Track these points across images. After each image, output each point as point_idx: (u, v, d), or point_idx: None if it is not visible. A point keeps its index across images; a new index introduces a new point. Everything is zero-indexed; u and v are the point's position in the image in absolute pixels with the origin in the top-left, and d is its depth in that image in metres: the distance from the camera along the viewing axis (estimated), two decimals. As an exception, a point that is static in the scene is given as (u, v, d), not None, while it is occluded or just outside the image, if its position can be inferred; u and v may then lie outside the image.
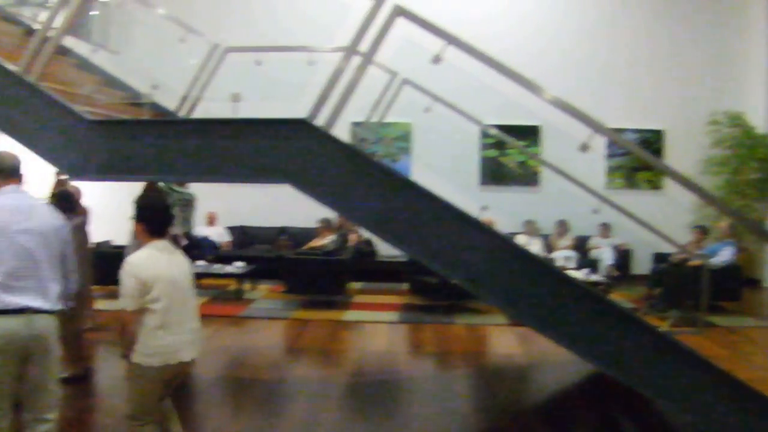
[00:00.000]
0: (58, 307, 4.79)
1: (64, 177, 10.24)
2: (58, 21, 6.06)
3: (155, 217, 4.99)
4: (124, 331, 4.80)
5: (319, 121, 5.49)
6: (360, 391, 7.90)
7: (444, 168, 14.55)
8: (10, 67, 5.95)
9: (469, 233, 5.68)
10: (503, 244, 5.80)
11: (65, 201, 7.57)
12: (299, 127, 5.48)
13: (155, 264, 4.80)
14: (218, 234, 15.14)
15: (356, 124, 13.04)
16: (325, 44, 9.61)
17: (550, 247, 14.39)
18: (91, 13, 10.06)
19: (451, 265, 5.74)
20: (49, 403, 4.81)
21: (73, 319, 7.70)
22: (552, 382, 8.58)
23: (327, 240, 13.68)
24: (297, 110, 5.78)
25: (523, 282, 5.69)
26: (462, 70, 7.29)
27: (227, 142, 5.59)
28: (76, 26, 7.34)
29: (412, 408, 7.39)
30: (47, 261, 4.73)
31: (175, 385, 5.14)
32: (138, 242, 5.17)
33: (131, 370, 4.88)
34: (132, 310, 4.74)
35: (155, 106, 8.81)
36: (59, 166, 6.03)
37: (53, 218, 4.86)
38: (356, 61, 5.69)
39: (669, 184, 14.74)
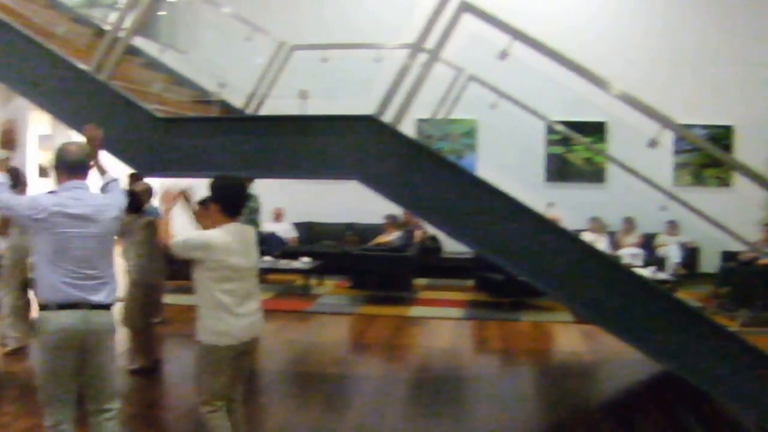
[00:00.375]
0: (114, 301, 4.88)
1: (137, 174, 10.43)
2: (128, 22, 6.18)
3: (231, 198, 5.05)
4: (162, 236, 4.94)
5: (387, 117, 5.51)
6: (424, 387, 7.88)
7: (509, 164, 14.46)
8: (82, 66, 6.08)
9: (536, 230, 5.67)
10: (571, 241, 5.77)
11: (140, 198, 7.71)
12: (367, 124, 5.51)
13: (225, 245, 4.88)
14: (285, 230, 15.23)
15: (422, 121, 13.04)
16: (391, 41, 9.61)
17: (616, 245, 14.22)
18: (158, 13, 10.21)
19: (518, 261, 5.73)
20: (109, 393, 4.91)
21: (143, 312, 7.85)
22: (618, 381, 8.50)
23: (393, 236, 13.68)
24: (363, 107, 5.81)
25: (591, 279, 5.66)
26: (527, 66, 7.26)
27: (295, 139, 5.65)
28: (145, 26, 7.46)
29: (476, 405, 7.37)
30: (103, 257, 4.82)
31: (243, 369, 5.22)
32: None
33: (200, 351, 5.00)
34: (174, 244, 4.92)
35: (223, 104, 8.92)
36: (130, 162, 6.14)
37: (110, 215, 4.92)
38: (422, 57, 5.70)
39: (738, 181, 14.43)
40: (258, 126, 5.97)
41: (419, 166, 5.61)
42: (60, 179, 4.82)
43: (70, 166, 4.80)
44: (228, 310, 4.89)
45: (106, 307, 4.79)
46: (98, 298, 4.71)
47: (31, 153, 14.89)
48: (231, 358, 4.99)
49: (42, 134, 17.48)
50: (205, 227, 5.10)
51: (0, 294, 8.37)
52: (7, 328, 8.54)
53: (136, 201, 7.72)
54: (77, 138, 5.39)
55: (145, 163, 5.83)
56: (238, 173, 7.71)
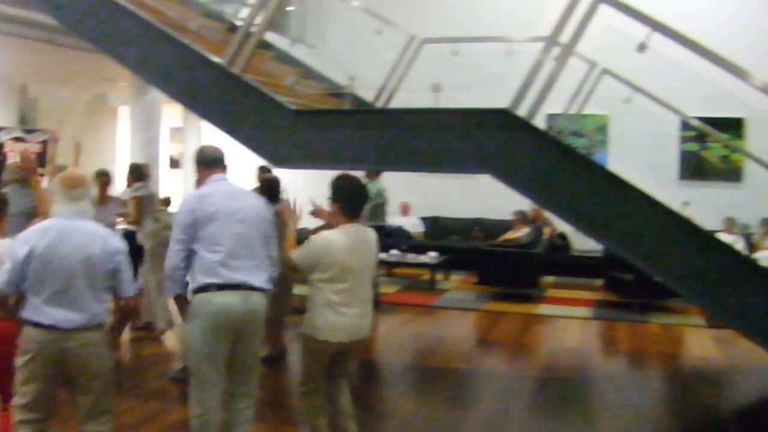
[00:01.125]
0: (269, 287, 4.98)
1: (265, 166, 10.60)
2: (259, 17, 6.26)
3: (351, 198, 5.06)
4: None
5: (521, 111, 5.43)
6: (550, 387, 7.77)
7: (641, 162, 14.08)
8: (216, 59, 6.19)
9: (672, 229, 5.50)
10: (708, 241, 5.58)
11: (271, 189, 7.82)
12: (501, 117, 5.44)
13: (341, 246, 4.89)
14: (412, 224, 15.25)
15: (552, 116, 12.83)
16: (521, 34, 9.49)
17: (753, 247, 13.70)
18: (288, 8, 10.32)
19: (652, 260, 5.58)
20: (252, 381, 5.04)
21: (278, 302, 7.97)
22: (752, 388, 8.17)
23: (521, 232, 13.52)
24: (493, 100, 5.74)
25: (729, 281, 5.46)
26: (663, 59, 7.05)
27: (427, 132, 5.61)
28: (275, 21, 7.55)
29: (603, 407, 7.20)
30: (258, 243, 4.93)
31: (342, 368, 5.26)
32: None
33: (301, 338, 5.11)
34: (293, 258, 4.96)
35: (353, 98, 8.96)
36: (263, 154, 6.22)
37: (259, 203, 5.08)
38: (556, 51, 5.60)
39: None
40: (390, 119, 5.95)
41: (553, 161, 5.52)
42: (204, 175, 4.98)
43: (213, 160, 5.01)
44: (333, 308, 4.91)
45: (263, 290, 4.91)
46: (256, 280, 4.84)
47: (163, 145, 15.26)
48: (326, 353, 5.04)
49: (173, 127, 17.99)
50: (331, 226, 5.13)
51: (141, 281, 8.61)
52: (159, 311, 8.82)
53: (272, 191, 7.83)
54: (208, 130, 5.48)
55: (277, 155, 5.90)
56: (370, 166, 7.79)
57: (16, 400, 4.40)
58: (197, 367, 4.83)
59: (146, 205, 8.84)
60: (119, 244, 4.50)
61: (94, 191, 8.69)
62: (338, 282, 4.90)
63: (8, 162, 7.91)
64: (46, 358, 4.29)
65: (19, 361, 4.34)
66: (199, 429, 4.84)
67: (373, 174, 10.85)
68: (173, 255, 4.80)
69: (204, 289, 4.73)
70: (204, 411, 4.80)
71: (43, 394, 4.36)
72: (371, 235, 5.18)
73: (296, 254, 4.97)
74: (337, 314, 4.92)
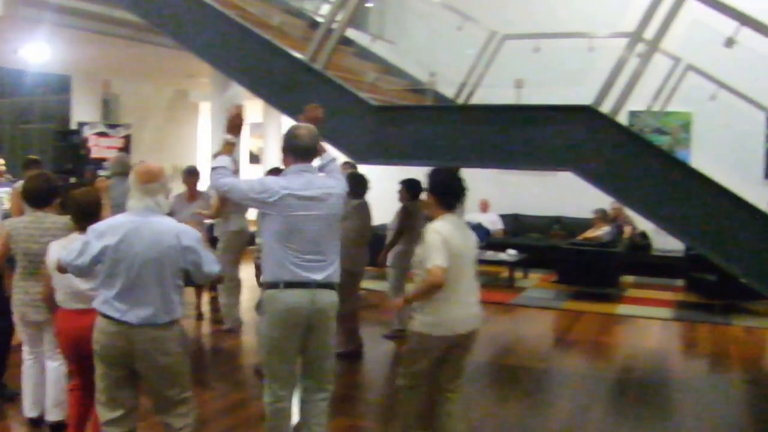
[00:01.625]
0: (337, 282, 4.97)
1: (350, 162, 10.66)
2: (340, 14, 6.28)
3: (449, 190, 5.07)
4: (426, 291, 4.93)
5: (604, 107, 5.36)
6: (630, 388, 7.65)
7: (726, 159, 13.79)
8: (298, 55, 6.23)
9: (757, 228, 5.38)
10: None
11: (356, 184, 7.85)
12: (585, 114, 5.37)
13: (451, 236, 4.89)
14: (491, 221, 15.15)
15: (635, 113, 12.63)
16: (601, 30, 9.38)
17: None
18: (368, 4, 10.35)
19: (736, 260, 5.46)
20: (326, 373, 5.05)
21: (351, 298, 7.99)
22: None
23: (601, 231, 13.34)
24: (575, 97, 5.68)
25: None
26: (751, 55, 6.90)
27: (509, 129, 5.57)
28: (356, 17, 7.58)
29: (683, 412, 7.04)
30: (329, 238, 4.93)
31: (459, 363, 5.21)
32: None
33: (411, 337, 5.07)
34: (443, 266, 4.81)
35: (434, 94, 8.94)
36: (345, 150, 6.24)
37: (336, 197, 5.00)
38: (640, 47, 5.52)
39: None
40: (472, 115, 5.93)
41: (636, 158, 5.44)
42: (287, 162, 4.98)
43: (299, 150, 4.92)
44: (446, 300, 4.89)
45: (331, 286, 4.92)
46: (323, 277, 4.84)
47: (244, 141, 15.42)
48: (439, 349, 5.02)
49: (253, 122, 18.18)
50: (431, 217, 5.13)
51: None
52: (230, 308, 8.93)
53: (359, 186, 7.86)
54: (288, 125, 5.51)
55: (359, 150, 5.91)
56: (450, 163, 7.76)
57: (98, 398, 4.50)
58: (268, 359, 4.93)
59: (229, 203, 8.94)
60: (192, 240, 4.49)
61: (183, 188, 8.86)
62: (451, 272, 4.86)
63: (114, 156, 8.07)
64: (115, 350, 4.36)
65: (95, 355, 4.43)
66: (272, 416, 4.92)
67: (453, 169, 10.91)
68: (235, 181, 4.89)
69: (274, 285, 4.79)
70: (276, 399, 4.89)
71: (118, 389, 4.43)
72: (465, 223, 5.19)
73: (434, 260, 4.84)
74: (451, 305, 4.93)
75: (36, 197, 5.70)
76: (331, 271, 4.89)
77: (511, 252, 13.08)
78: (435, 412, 5.26)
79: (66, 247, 4.77)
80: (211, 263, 4.56)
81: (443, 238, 4.84)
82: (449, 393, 5.24)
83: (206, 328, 9.45)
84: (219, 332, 9.04)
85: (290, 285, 4.73)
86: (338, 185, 5.03)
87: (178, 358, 4.47)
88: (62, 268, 4.56)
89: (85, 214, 5.06)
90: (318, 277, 4.79)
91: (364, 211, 7.99)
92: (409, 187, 8.52)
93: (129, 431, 4.55)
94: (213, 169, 4.88)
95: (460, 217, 5.17)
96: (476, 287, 5.18)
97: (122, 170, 7.79)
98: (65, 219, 5.56)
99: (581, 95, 5.62)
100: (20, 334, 5.95)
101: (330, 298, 4.88)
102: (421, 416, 5.24)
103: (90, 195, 5.23)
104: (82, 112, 14.55)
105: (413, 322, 5.00)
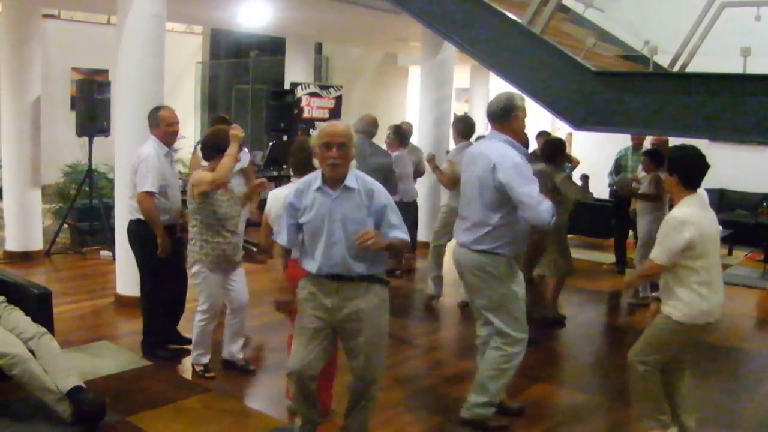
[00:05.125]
0: (477, 247, 5.25)
1: (545, 131, 10.70)
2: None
3: (691, 169, 4.95)
4: (639, 279, 4.98)
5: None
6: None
7: None
8: (515, 18, 6.28)
9: None
10: None
11: (554, 152, 7.89)
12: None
13: (699, 220, 4.81)
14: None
15: None
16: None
17: None
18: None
19: None
20: (485, 330, 5.53)
21: (561, 269, 8.07)
22: None
23: (816, 211, 12.81)
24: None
25: None
26: None
27: (733, 99, 5.41)
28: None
29: None
30: (478, 206, 5.25)
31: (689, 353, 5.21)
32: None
33: (667, 322, 4.94)
34: (661, 264, 4.84)
35: (647, 62, 8.77)
36: (560, 115, 6.23)
37: (488, 170, 5.15)
38: None
39: None
40: (691, 84, 5.77)
41: None
42: (458, 140, 5.36)
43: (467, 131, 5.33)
44: (709, 286, 4.82)
45: (467, 247, 5.28)
46: (462, 238, 5.32)
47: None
48: (694, 338, 5.04)
49: (459, 87, 18.28)
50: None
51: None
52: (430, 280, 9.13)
53: (555, 153, 7.90)
54: (495, 91, 5.59)
55: (575, 117, 5.89)
56: (664, 132, 7.63)
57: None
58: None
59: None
60: (384, 196, 4.46)
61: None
62: (705, 258, 4.81)
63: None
64: (313, 308, 4.49)
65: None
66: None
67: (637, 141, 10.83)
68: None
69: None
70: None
71: (311, 355, 4.47)
72: (707, 200, 5.13)
73: (658, 255, 4.88)
74: (714, 292, 4.86)
75: (204, 151, 6.01)
76: (475, 234, 5.30)
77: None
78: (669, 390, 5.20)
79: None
80: (396, 227, 4.48)
81: (681, 234, 4.74)
82: (683, 364, 5.22)
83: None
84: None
85: None
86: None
87: (378, 324, 4.55)
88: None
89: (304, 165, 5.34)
90: (462, 238, 5.42)
91: (569, 180, 8.02)
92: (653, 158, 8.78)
93: None
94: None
95: (702, 197, 5.06)
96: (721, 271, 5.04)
97: (363, 128, 7.97)
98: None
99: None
100: None
101: (466, 254, 5.36)
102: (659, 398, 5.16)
103: (303, 147, 5.47)
104: (295, 73, 15.00)
105: (673, 312, 4.89)
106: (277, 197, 5.44)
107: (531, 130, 6.56)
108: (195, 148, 8.43)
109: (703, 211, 4.88)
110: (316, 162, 4.58)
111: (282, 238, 4.61)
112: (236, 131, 6.08)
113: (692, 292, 4.79)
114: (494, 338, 5.35)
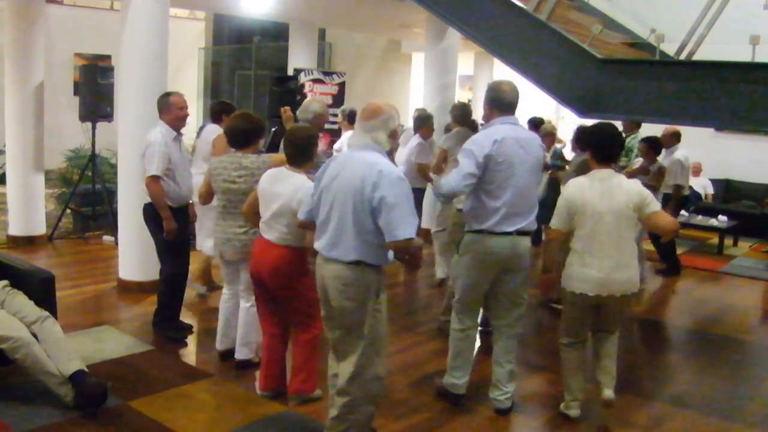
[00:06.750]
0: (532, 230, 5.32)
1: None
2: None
3: (602, 145, 5.19)
4: (546, 246, 5.20)
5: None
6: None
7: None
8: (521, 5, 6.24)
9: None
10: None
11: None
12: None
13: (585, 192, 5.03)
14: (702, 185, 14.67)
15: None
16: None
17: None
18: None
19: None
20: (516, 313, 5.46)
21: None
22: None
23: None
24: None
25: None
26: None
27: (737, 87, 5.37)
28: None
29: None
30: (532, 190, 5.28)
31: (603, 319, 5.31)
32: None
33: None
34: (555, 228, 5.20)
35: (653, 50, 8.72)
36: (565, 102, 6.21)
37: (539, 154, 5.31)
38: None
39: None
40: (697, 72, 5.73)
41: None
42: (492, 115, 5.18)
43: (503, 104, 5.19)
44: (579, 256, 5.09)
45: (528, 234, 5.28)
46: (522, 225, 5.18)
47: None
48: (577, 305, 5.20)
49: (462, 74, 18.20)
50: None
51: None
52: (438, 264, 9.10)
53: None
54: (500, 77, 5.55)
55: (580, 104, 5.86)
56: (670, 120, 7.59)
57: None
58: (462, 294, 5.46)
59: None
60: (393, 178, 4.14)
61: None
62: (583, 228, 5.04)
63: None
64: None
65: None
66: (458, 340, 5.51)
67: (634, 127, 10.74)
68: (458, 183, 5.03)
69: (479, 231, 5.18)
70: (464, 327, 5.48)
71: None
72: (625, 183, 5.14)
73: (553, 221, 5.23)
74: (588, 266, 5.04)
75: (236, 137, 5.95)
76: (530, 219, 5.30)
77: (722, 218, 12.64)
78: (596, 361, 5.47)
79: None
80: (399, 223, 4.13)
81: (565, 199, 5.09)
82: (603, 334, 5.41)
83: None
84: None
85: (493, 232, 5.20)
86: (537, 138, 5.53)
87: (357, 304, 4.35)
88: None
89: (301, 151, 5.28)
90: (520, 226, 5.22)
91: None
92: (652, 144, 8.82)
93: None
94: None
95: (614, 174, 5.18)
96: (627, 249, 5.11)
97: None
98: (265, 158, 5.83)
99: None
100: (220, 271, 6.33)
101: (527, 243, 5.33)
102: (577, 378, 5.48)
103: (304, 133, 5.40)
104: (299, 59, 14.94)
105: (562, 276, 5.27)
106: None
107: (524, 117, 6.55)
108: (198, 132, 8.42)
109: (600, 184, 5.03)
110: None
111: None
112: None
113: (572, 256, 5.12)
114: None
